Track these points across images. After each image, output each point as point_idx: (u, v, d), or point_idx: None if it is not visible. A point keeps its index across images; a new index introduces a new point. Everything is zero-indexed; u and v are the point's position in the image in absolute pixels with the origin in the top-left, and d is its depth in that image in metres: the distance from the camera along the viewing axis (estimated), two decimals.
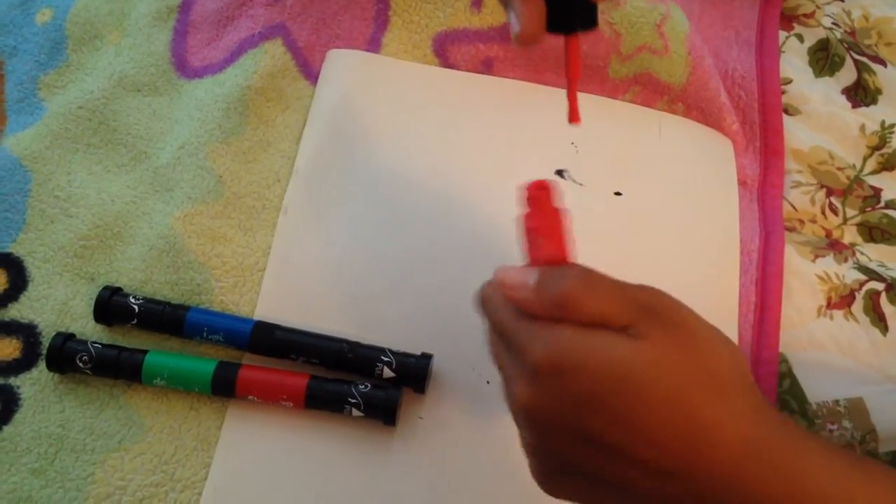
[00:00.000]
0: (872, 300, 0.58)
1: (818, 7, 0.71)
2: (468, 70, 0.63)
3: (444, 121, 0.61)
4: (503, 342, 0.39)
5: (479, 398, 0.52)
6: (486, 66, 0.63)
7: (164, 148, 0.60)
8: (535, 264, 0.40)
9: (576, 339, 0.34)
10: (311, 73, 0.63)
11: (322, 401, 0.50)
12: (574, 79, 0.41)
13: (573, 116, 0.42)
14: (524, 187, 0.41)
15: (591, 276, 0.37)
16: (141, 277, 0.54)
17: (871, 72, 0.67)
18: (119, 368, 0.51)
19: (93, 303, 0.53)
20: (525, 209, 0.41)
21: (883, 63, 0.68)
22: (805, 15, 0.71)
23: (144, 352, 0.51)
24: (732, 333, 0.54)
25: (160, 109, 0.61)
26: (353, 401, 0.50)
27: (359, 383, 0.51)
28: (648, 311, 0.35)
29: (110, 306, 0.53)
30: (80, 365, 0.51)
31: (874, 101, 0.66)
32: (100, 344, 0.52)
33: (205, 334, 0.52)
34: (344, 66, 0.62)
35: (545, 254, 0.40)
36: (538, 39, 0.39)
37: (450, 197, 0.58)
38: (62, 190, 0.57)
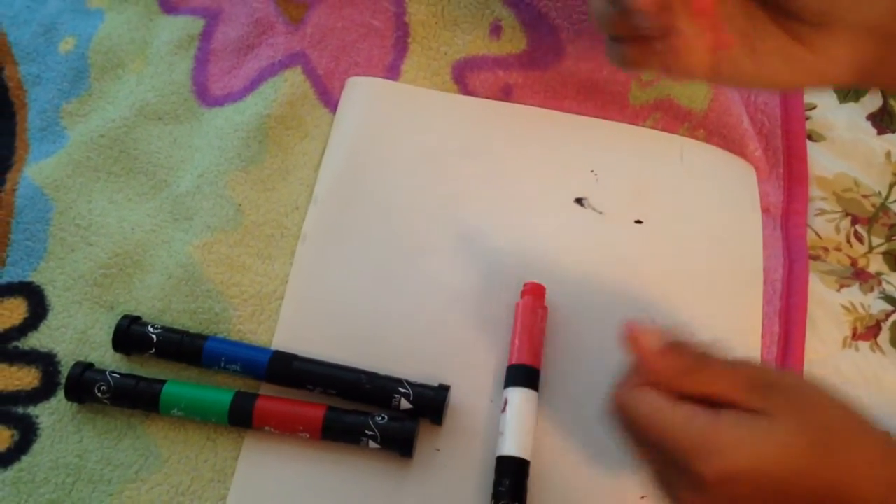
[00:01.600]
0: None
1: None
2: (487, 97, 0.63)
3: (464, 148, 0.61)
4: (654, 441, 0.39)
5: (496, 429, 0.51)
6: (506, 93, 0.63)
7: (184, 176, 0.60)
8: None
9: (738, 444, 0.36)
10: (330, 101, 0.63)
11: (339, 432, 0.50)
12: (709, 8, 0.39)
13: (722, 43, 0.40)
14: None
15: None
16: (160, 306, 0.55)
17: None
18: (137, 398, 0.51)
19: (112, 332, 0.53)
20: None
21: None
22: None
23: (162, 382, 0.51)
24: None
25: (181, 138, 0.62)
26: (370, 433, 0.50)
27: (376, 415, 0.50)
28: (775, 390, 0.37)
29: (129, 335, 0.53)
30: (99, 394, 0.51)
31: None
32: (118, 373, 0.52)
33: (222, 364, 0.52)
34: (363, 94, 0.62)
35: None
36: None
37: (468, 226, 0.58)
38: (83, 218, 0.58)
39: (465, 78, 0.63)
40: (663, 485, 0.39)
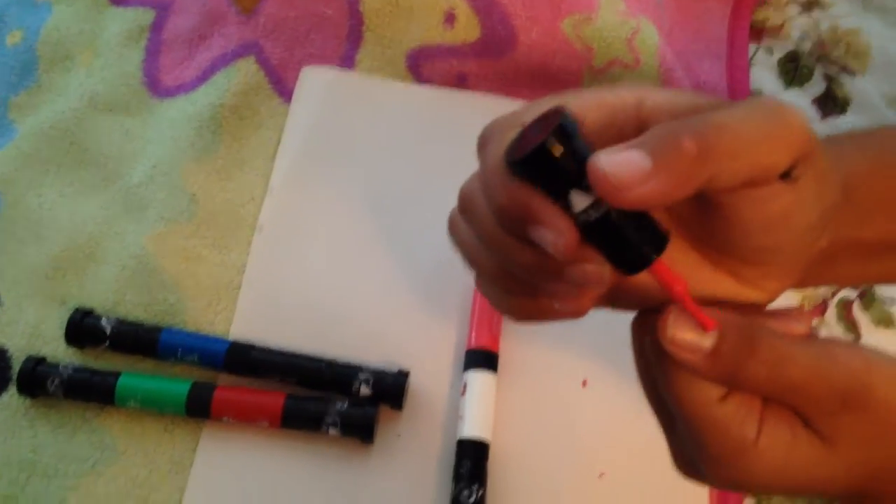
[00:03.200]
0: (845, 309, 0.58)
1: (787, 19, 0.72)
2: (442, 86, 0.63)
3: (419, 136, 0.61)
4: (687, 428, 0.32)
5: (456, 413, 0.51)
6: (460, 82, 0.63)
7: (136, 168, 0.59)
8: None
9: (776, 473, 0.31)
10: (284, 91, 0.62)
11: (299, 420, 0.50)
12: (683, 293, 0.30)
13: (708, 323, 0.30)
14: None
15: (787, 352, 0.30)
16: (113, 299, 0.54)
17: (839, 83, 0.68)
18: (91, 391, 0.50)
19: (64, 325, 0.52)
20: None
21: (852, 73, 0.69)
22: (774, 27, 0.71)
23: (117, 374, 0.51)
24: None
25: (132, 129, 0.61)
26: (331, 419, 0.50)
27: (336, 401, 0.50)
28: (844, 399, 0.30)
29: (82, 328, 0.52)
30: (52, 389, 0.50)
31: (843, 112, 0.67)
32: (72, 367, 0.51)
33: (179, 355, 0.51)
34: (318, 84, 0.62)
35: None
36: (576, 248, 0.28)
37: (425, 213, 0.58)
38: (33, 212, 0.57)
39: (419, 67, 0.64)
40: (676, 449, 0.34)
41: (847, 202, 0.32)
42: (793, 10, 0.73)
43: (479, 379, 0.52)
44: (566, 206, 0.28)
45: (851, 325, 0.58)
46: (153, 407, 0.50)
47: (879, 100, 0.67)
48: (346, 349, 0.53)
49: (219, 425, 0.51)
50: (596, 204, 0.27)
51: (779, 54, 0.70)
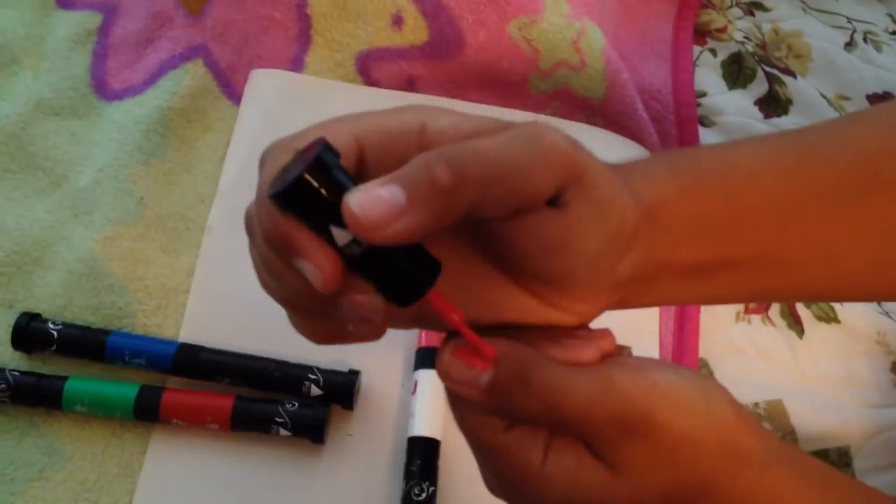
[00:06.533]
0: (789, 304, 0.60)
1: (730, 22, 0.74)
2: (391, 88, 0.64)
3: None
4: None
5: (407, 411, 0.52)
6: (410, 84, 0.64)
7: (83, 171, 0.59)
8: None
9: (561, 498, 0.31)
10: (233, 94, 0.63)
11: (248, 422, 0.50)
12: (459, 322, 0.29)
13: (488, 352, 0.30)
14: None
15: (565, 382, 0.30)
16: (60, 303, 0.54)
17: (781, 83, 0.70)
18: (38, 396, 0.50)
19: (10, 330, 0.52)
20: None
21: (793, 75, 0.71)
22: (717, 30, 0.73)
23: (64, 378, 0.50)
24: (653, 340, 0.56)
25: (79, 133, 0.61)
26: (281, 420, 0.50)
27: (286, 402, 0.50)
28: (623, 428, 0.30)
29: (28, 333, 0.52)
30: None
31: (785, 112, 0.69)
32: (18, 372, 0.50)
33: (127, 358, 0.51)
34: (267, 86, 0.62)
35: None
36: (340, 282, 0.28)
37: None
38: None
39: (368, 69, 0.64)
40: (482, 471, 0.34)
41: (654, 225, 0.31)
42: (735, 12, 0.75)
43: (430, 377, 0.52)
44: (331, 239, 0.27)
45: (795, 321, 0.60)
46: (101, 411, 0.50)
47: (820, 100, 0.69)
48: (296, 350, 0.53)
49: (168, 428, 0.51)
50: (357, 239, 0.27)
51: (722, 56, 0.72)
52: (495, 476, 0.32)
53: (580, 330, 0.32)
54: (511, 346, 0.30)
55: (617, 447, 0.30)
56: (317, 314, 0.31)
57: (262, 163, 0.30)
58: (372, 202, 0.26)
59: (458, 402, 0.31)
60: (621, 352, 0.32)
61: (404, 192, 0.26)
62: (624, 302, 0.33)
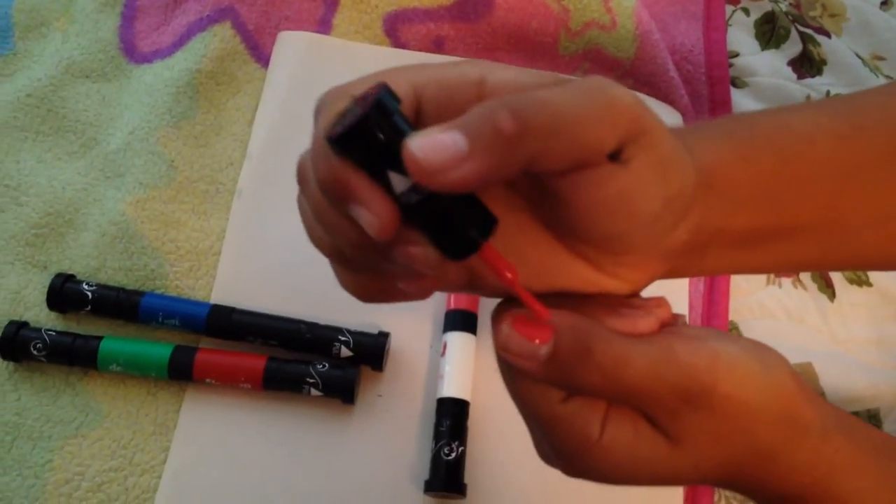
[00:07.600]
0: None
1: None
2: (419, 49, 0.63)
3: None
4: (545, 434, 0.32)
5: (437, 373, 0.52)
6: (437, 45, 0.64)
7: (114, 134, 0.59)
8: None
9: (617, 470, 0.31)
10: (261, 56, 0.62)
11: (280, 381, 0.51)
12: (514, 280, 0.28)
13: (543, 314, 0.29)
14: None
15: (625, 351, 0.29)
16: (94, 264, 0.54)
17: (815, 43, 0.69)
18: (74, 355, 0.51)
19: (46, 291, 0.52)
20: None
21: (827, 34, 0.69)
22: None
23: (99, 338, 0.51)
24: (683, 303, 0.55)
25: (109, 95, 0.61)
26: (312, 380, 0.50)
27: (317, 363, 0.51)
28: (686, 399, 0.29)
29: (63, 293, 0.52)
30: (35, 353, 0.50)
31: (819, 73, 0.68)
32: (54, 331, 0.51)
33: (160, 319, 0.52)
34: (295, 49, 0.62)
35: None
36: (395, 230, 0.27)
37: None
38: (12, 178, 0.57)
39: (396, 31, 0.64)
40: (535, 440, 0.34)
41: (710, 191, 0.31)
42: None
43: (458, 340, 0.52)
44: (388, 186, 0.26)
45: (826, 284, 0.59)
46: (136, 370, 0.51)
47: (855, 60, 0.68)
48: (326, 312, 0.53)
49: (201, 388, 0.51)
50: (417, 186, 0.26)
51: (755, 15, 0.70)
52: (551, 447, 0.32)
53: (636, 299, 0.32)
54: (571, 317, 0.29)
55: (679, 419, 0.29)
56: (365, 269, 0.30)
57: (318, 110, 0.29)
58: (434, 146, 0.25)
59: (513, 373, 0.31)
60: (676, 320, 0.32)
61: (466, 138, 0.25)
62: (674, 270, 0.32)
